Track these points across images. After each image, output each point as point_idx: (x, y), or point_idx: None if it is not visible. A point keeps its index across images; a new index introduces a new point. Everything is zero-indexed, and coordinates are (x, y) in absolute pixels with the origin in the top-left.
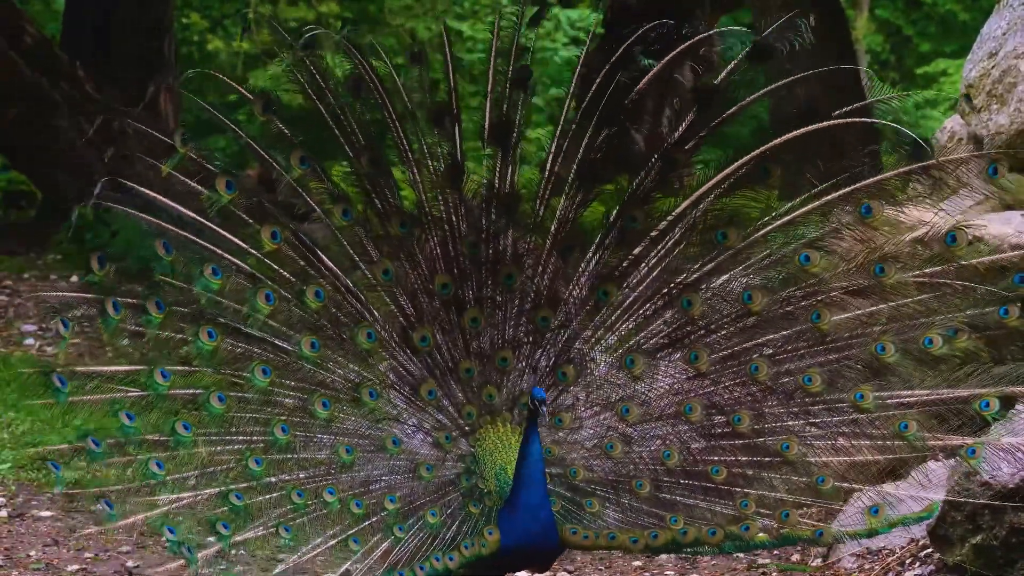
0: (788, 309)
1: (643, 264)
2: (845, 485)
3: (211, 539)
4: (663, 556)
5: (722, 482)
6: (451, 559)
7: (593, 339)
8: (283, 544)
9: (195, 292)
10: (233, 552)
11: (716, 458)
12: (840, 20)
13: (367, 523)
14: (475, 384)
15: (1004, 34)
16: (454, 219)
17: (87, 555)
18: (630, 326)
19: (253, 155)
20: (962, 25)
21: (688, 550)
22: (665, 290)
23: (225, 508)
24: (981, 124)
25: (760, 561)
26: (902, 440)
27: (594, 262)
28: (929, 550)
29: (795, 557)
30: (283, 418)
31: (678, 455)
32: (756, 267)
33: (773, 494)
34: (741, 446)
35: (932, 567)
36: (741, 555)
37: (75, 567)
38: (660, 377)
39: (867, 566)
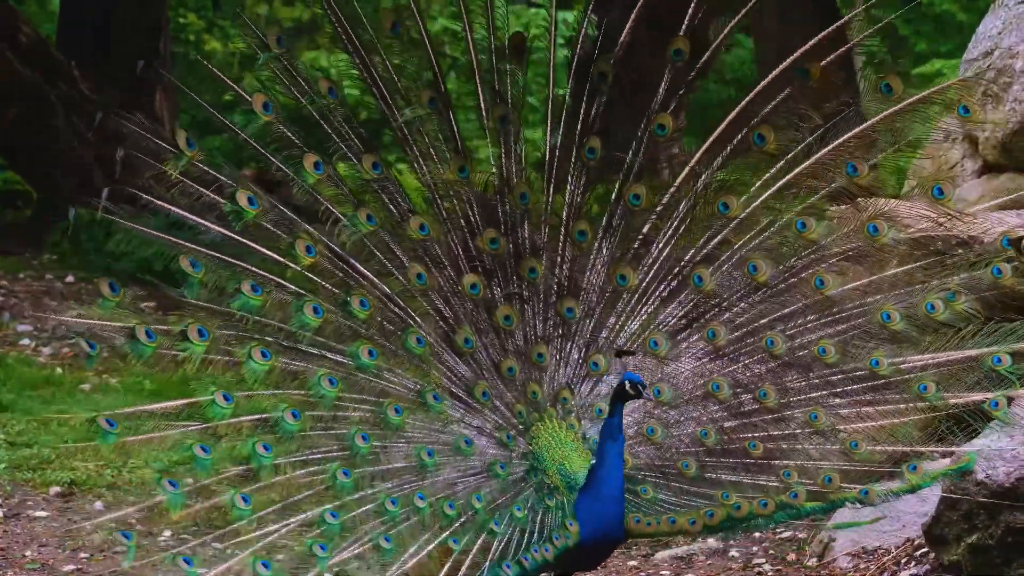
0: (792, 281)
1: (654, 245)
2: (879, 448)
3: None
4: (659, 556)
5: (760, 456)
6: (547, 550)
7: (617, 326)
8: (386, 556)
9: (232, 309)
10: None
11: (750, 434)
12: (836, 19)
13: (460, 523)
14: (519, 382)
15: (1000, 33)
16: (470, 214)
17: (83, 555)
18: (650, 310)
19: (253, 155)
20: (958, 25)
21: (743, 524)
22: (677, 269)
23: (319, 529)
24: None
25: (755, 561)
26: (924, 401)
27: (606, 246)
28: (925, 550)
29: (791, 556)
30: (360, 428)
31: (715, 434)
32: (758, 237)
33: (811, 463)
34: (772, 420)
35: (928, 566)
36: (736, 555)
37: (71, 567)
38: (684, 359)
39: (863, 565)
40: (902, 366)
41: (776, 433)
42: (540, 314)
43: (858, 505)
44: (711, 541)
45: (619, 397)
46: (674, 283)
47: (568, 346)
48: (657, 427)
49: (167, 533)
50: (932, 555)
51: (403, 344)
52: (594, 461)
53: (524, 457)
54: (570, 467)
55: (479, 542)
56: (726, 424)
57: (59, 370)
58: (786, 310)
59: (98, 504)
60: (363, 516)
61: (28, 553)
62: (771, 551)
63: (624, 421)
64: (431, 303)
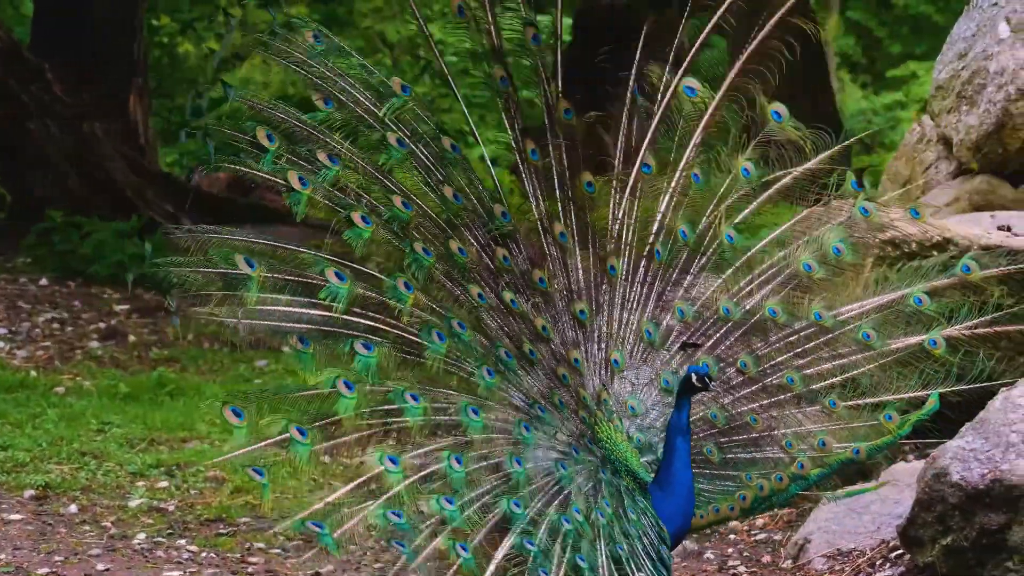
0: (715, 243)
1: (615, 226)
2: (850, 404)
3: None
4: None
5: (762, 429)
6: (664, 550)
7: (615, 319)
8: (584, 571)
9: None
10: None
11: (746, 407)
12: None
13: (611, 531)
14: (573, 388)
15: (974, 35)
16: (470, 239)
17: (57, 558)
18: (630, 296)
19: (227, 160)
20: (932, 26)
21: (767, 503)
22: (637, 247)
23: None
24: (951, 125)
25: (731, 563)
26: (871, 350)
27: (579, 242)
28: (899, 551)
29: (766, 559)
30: (512, 452)
31: (720, 413)
32: (681, 196)
33: (803, 428)
34: (759, 390)
35: (902, 568)
36: (711, 557)
37: (45, 570)
38: (668, 342)
39: (837, 567)
40: (839, 317)
41: (766, 402)
42: (562, 320)
43: (854, 465)
44: (686, 543)
45: (687, 391)
46: (644, 261)
47: (591, 347)
48: None
49: (141, 535)
50: (907, 556)
51: (497, 359)
52: (646, 459)
53: (604, 462)
54: (632, 467)
55: (626, 549)
56: (724, 401)
57: (33, 373)
58: (723, 273)
59: (72, 507)
60: (547, 538)
61: (3, 556)
62: (746, 553)
63: (654, 414)
64: (495, 320)
